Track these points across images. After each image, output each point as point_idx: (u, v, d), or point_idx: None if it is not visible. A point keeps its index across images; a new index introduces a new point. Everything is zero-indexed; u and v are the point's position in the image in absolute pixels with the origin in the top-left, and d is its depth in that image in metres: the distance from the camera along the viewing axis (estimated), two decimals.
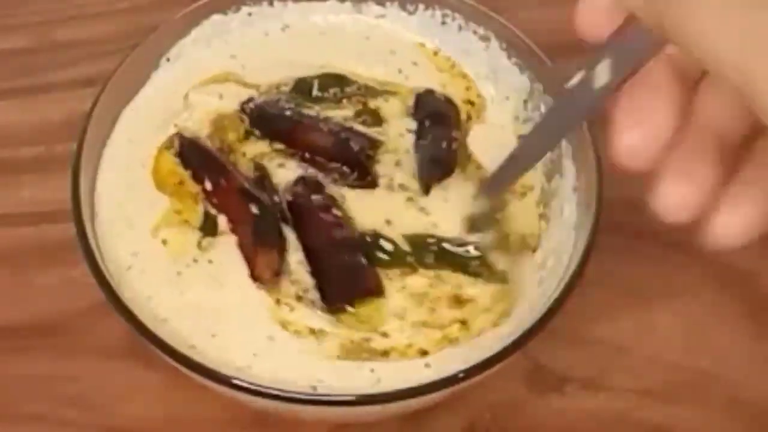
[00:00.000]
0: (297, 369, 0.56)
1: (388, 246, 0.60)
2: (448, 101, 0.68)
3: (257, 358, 0.56)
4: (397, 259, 0.60)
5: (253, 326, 0.57)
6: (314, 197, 0.61)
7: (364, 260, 0.59)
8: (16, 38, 0.81)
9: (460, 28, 0.70)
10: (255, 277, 0.58)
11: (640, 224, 0.70)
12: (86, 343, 0.65)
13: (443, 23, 0.70)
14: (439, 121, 0.66)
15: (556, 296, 0.56)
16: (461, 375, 0.53)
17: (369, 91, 0.67)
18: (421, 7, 0.70)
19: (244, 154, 0.64)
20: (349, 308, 0.58)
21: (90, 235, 0.58)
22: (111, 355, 0.64)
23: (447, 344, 0.57)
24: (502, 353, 0.54)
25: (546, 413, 0.63)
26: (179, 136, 0.64)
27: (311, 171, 0.62)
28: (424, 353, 0.57)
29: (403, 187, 0.62)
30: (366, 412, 0.58)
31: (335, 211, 0.60)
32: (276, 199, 0.61)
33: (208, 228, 0.60)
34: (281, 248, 0.59)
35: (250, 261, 0.59)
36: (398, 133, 0.65)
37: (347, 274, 0.59)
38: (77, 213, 0.58)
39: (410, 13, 0.71)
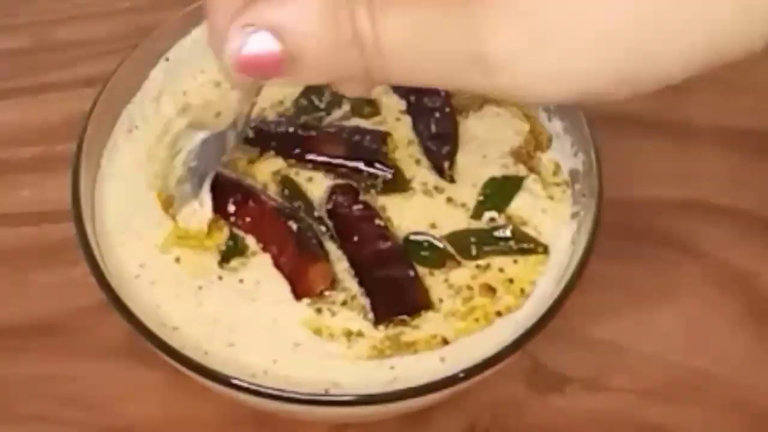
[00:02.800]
0: (316, 372, 0.56)
1: (432, 245, 0.60)
2: None
3: (276, 364, 0.56)
4: (442, 258, 0.60)
5: (279, 336, 0.57)
6: (355, 207, 0.60)
7: (412, 272, 0.59)
8: (17, 38, 0.81)
9: None
10: (303, 291, 0.58)
11: (640, 224, 0.71)
12: (86, 343, 0.65)
13: None
14: (422, 90, 0.66)
15: (556, 296, 0.56)
16: (461, 375, 0.53)
17: None
18: None
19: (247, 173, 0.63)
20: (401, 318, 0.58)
21: (90, 233, 0.58)
22: (111, 355, 0.64)
23: (465, 333, 0.57)
24: (502, 353, 0.54)
25: (546, 413, 0.63)
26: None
27: (340, 181, 0.62)
28: (445, 342, 0.57)
29: (438, 189, 0.62)
30: (366, 413, 0.58)
31: (378, 222, 0.60)
32: (315, 212, 0.61)
33: (233, 249, 0.60)
34: (327, 259, 0.59)
35: (295, 276, 0.58)
36: (394, 117, 0.65)
37: (396, 288, 0.58)
38: (77, 213, 0.58)
39: None
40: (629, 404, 0.63)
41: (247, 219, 0.60)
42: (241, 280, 0.59)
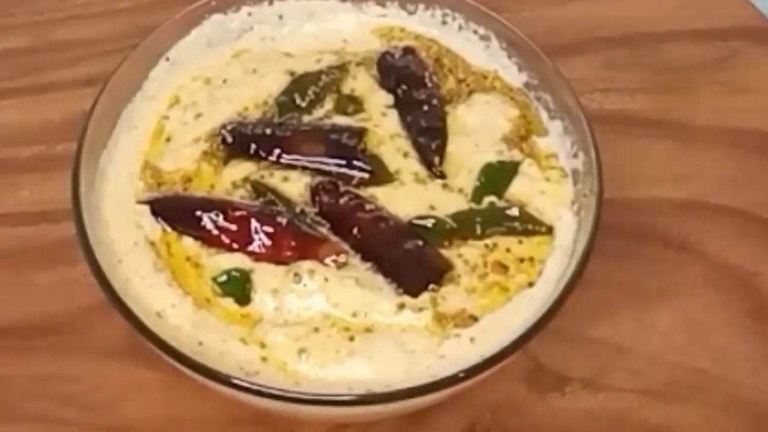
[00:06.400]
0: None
1: (439, 222, 0.61)
2: (407, 53, 0.69)
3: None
4: (449, 236, 0.60)
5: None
6: (342, 201, 0.61)
7: (421, 242, 0.59)
8: (17, 38, 0.81)
9: (460, 27, 0.70)
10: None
11: (640, 224, 0.71)
12: (86, 343, 0.65)
13: (443, 23, 0.70)
14: (411, 83, 0.67)
15: (556, 296, 0.56)
16: (462, 375, 0.53)
17: (336, 71, 0.67)
18: (422, 6, 0.70)
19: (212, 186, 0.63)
20: (432, 287, 0.59)
21: (89, 233, 0.57)
22: (111, 355, 0.64)
23: (490, 310, 0.58)
24: (503, 353, 0.54)
25: (546, 413, 0.63)
26: (150, 202, 0.62)
27: (318, 178, 0.62)
28: (474, 319, 0.58)
29: (431, 177, 0.63)
30: (366, 413, 0.58)
31: (369, 206, 0.60)
32: (296, 209, 0.61)
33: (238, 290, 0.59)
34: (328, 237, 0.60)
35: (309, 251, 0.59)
36: (380, 112, 0.66)
37: (415, 260, 0.59)
38: (77, 213, 0.58)
39: (411, 13, 0.71)
40: (629, 404, 0.63)
41: (233, 227, 0.60)
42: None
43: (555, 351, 0.64)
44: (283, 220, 0.59)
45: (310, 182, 0.62)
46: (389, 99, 0.66)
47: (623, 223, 0.68)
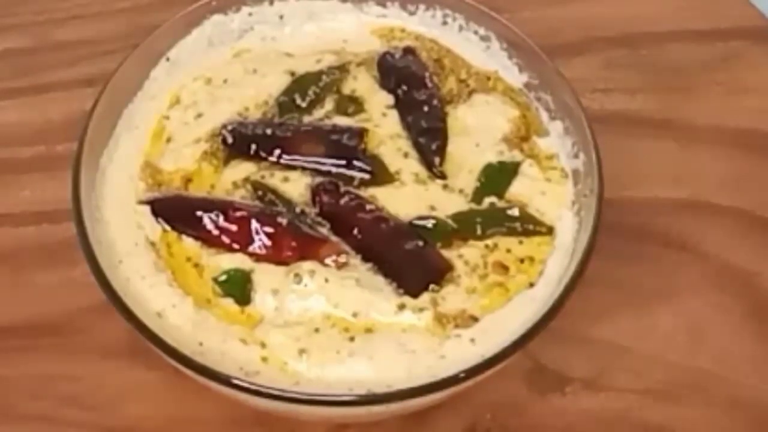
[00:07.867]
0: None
1: (440, 223, 0.61)
2: (407, 53, 0.69)
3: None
4: (449, 237, 0.61)
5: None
6: (342, 201, 0.61)
7: (421, 243, 0.59)
8: (17, 38, 0.81)
9: (460, 28, 0.70)
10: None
11: (640, 224, 0.71)
12: (86, 343, 0.65)
13: (444, 23, 0.70)
14: (411, 84, 0.67)
15: (556, 296, 0.56)
16: (462, 375, 0.53)
17: (336, 72, 0.68)
18: (422, 7, 0.71)
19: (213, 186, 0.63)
20: (432, 287, 0.59)
21: (90, 233, 0.58)
22: (111, 355, 0.64)
23: (490, 310, 0.58)
24: (503, 353, 0.54)
25: (547, 413, 0.63)
26: (151, 202, 0.62)
27: (318, 179, 0.62)
28: (474, 319, 0.58)
29: (432, 177, 0.63)
30: (366, 413, 0.58)
31: (369, 207, 0.61)
32: (296, 209, 0.61)
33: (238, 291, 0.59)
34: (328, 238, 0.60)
35: (310, 253, 0.59)
36: (380, 112, 0.66)
37: (415, 260, 0.59)
38: (77, 213, 0.58)
39: (411, 13, 0.71)
40: (629, 404, 0.64)
41: (233, 228, 0.60)
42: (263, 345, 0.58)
43: (555, 351, 0.64)
44: (284, 221, 0.60)
45: (311, 183, 0.62)
46: (390, 99, 0.66)
47: (624, 223, 0.68)
